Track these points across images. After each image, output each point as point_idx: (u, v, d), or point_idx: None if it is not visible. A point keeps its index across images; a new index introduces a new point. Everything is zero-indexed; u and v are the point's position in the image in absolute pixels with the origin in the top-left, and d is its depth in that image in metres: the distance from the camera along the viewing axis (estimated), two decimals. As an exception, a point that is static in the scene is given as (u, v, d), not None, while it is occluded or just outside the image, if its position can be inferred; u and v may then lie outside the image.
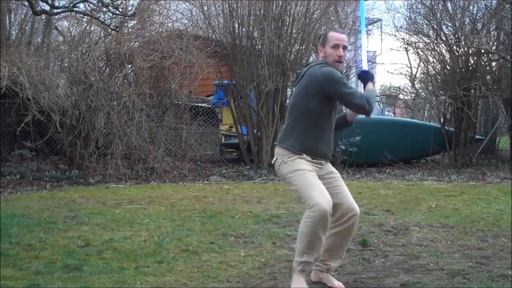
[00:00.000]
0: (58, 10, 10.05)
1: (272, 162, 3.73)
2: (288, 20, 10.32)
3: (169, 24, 11.31)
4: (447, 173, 9.77)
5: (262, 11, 10.26)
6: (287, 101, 10.10)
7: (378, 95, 20.03)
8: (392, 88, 19.87)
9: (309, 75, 3.54)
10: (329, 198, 3.42)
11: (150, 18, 11.14)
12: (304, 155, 3.55)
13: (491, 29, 11.10)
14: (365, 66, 3.88)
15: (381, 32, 19.97)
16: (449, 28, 11.08)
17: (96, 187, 8.21)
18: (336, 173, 3.73)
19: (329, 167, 3.72)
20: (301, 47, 10.70)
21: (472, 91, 10.80)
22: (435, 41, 11.15)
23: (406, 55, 23.34)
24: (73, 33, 10.28)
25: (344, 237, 3.66)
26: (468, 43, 10.51)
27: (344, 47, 3.59)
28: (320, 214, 3.33)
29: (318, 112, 3.53)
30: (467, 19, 11.05)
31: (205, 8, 10.96)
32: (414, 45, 11.68)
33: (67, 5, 9.94)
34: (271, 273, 4.03)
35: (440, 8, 11.19)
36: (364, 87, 3.64)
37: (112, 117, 9.03)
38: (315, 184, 3.47)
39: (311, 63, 3.67)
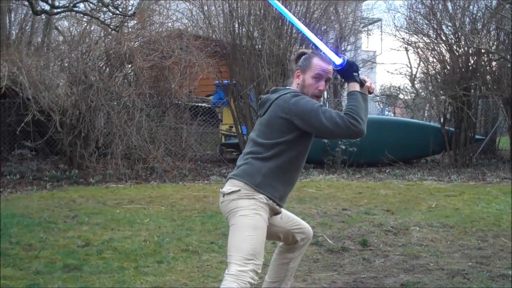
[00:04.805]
0: (58, 10, 10.04)
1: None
2: (288, 20, 10.32)
3: (169, 24, 11.32)
4: (447, 173, 9.77)
5: (262, 11, 10.26)
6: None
7: (378, 94, 19.80)
8: (392, 88, 19.89)
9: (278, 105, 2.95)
10: None
11: (150, 18, 11.16)
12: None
13: (491, 29, 11.10)
14: (336, 59, 2.86)
15: (381, 32, 20.04)
16: (449, 28, 11.09)
17: (96, 187, 8.20)
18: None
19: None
20: (301, 47, 10.70)
21: (472, 91, 10.80)
22: (435, 41, 11.14)
23: (406, 55, 23.42)
24: (73, 33, 10.29)
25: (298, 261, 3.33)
26: (468, 43, 10.50)
27: (328, 80, 2.97)
28: None
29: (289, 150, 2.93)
30: (467, 19, 11.06)
31: (205, 8, 10.97)
32: (414, 45, 11.70)
33: (67, 5, 9.93)
34: (271, 273, 4.02)
35: (440, 8, 11.19)
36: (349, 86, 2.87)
37: (112, 117, 9.03)
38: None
39: (281, 90, 3.07)
